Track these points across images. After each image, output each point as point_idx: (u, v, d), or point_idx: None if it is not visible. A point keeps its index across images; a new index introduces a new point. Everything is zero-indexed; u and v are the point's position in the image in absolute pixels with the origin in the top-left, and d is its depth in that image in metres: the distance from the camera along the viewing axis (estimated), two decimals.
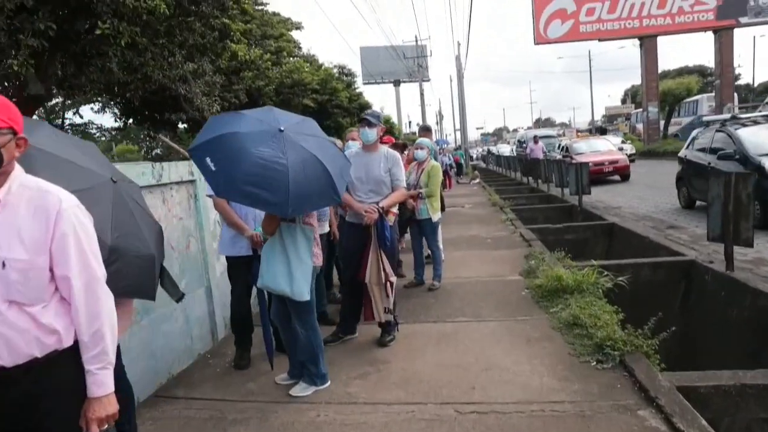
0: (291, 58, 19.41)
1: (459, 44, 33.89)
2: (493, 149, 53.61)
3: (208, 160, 3.02)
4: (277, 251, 3.44)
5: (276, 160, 3.03)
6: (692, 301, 6.13)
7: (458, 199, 16.69)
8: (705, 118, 13.09)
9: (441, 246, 7.35)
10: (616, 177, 18.50)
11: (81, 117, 19.46)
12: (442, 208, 9.15)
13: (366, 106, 26.54)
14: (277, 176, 3.01)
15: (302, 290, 3.43)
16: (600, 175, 17.50)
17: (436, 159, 7.62)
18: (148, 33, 9.06)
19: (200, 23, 9.65)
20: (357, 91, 26.84)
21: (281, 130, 3.15)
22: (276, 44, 19.83)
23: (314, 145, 3.28)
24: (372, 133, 4.37)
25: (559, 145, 22.12)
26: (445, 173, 22.28)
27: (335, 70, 26.04)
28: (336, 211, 5.34)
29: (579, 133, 36.79)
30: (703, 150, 10.06)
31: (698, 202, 10.36)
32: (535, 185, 18.29)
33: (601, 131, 45.17)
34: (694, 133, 11.25)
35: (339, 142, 5.98)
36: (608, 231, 9.21)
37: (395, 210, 4.80)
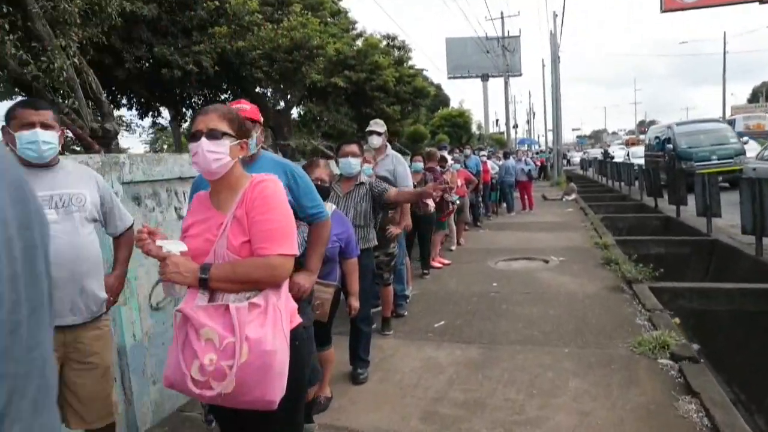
0: (305, 15, 13.18)
1: (555, 15, 26.02)
2: (620, 151, 34.59)
3: None
4: None
5: None
6: None
7: (539, 236, 9.63)
8: None
9: None
10: None
11: None
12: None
13: (422, 91, 19.81)
14: None
15: None
16: None
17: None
18: None
19: None
20: (411, 70, 20.10)
21: None
22: None
23: None
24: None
25: None
26: (523, 186, 15.21)
27: (383, 42, 19.53)
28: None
29: None
30: None
31: None
32: (675, 213, 10.82)
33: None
34: None
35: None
36: None
37: None
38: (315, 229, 2.68)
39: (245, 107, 2.55)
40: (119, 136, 9.47)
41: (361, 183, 3.77)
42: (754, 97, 70.61)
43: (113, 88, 12.71)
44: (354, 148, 3.69)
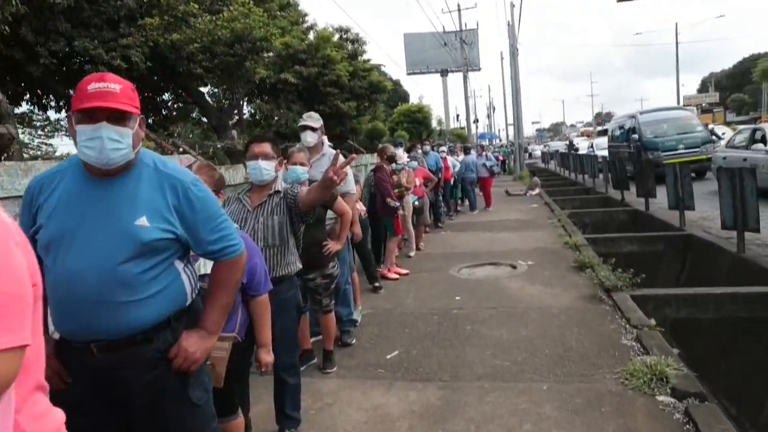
0: (248, 5, 12.15)
1: (512, 6, 25.47)
2: (584, 143, 32.87)
3: None
4: None
5: None
6: None
7: (504, 236, 8.89)
8: None
9: None
10: None
11: None
12: None
13: (378, 85, 18.97)
14: None
15: None
16: None
17: None
18: None
19: None
20: (367, 64, 19.23)
21: None
22: None
23: None
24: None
25: None
26: (484, 183, 14.51)
27: (336, 35, 18.62)
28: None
29: None
30: None
31: None
32: (644, 206, 10.30)
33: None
34: None
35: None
36: None
37: None
38: (218, 269, 1.79)
39: (113, 87, 1.56)
40: (49, 139, 8.31)
41: (277, 191, 2.90)
42: (703, 87, 72.54)
43: (34, 87, 11.46)
44: (265, 147, 2.81)
